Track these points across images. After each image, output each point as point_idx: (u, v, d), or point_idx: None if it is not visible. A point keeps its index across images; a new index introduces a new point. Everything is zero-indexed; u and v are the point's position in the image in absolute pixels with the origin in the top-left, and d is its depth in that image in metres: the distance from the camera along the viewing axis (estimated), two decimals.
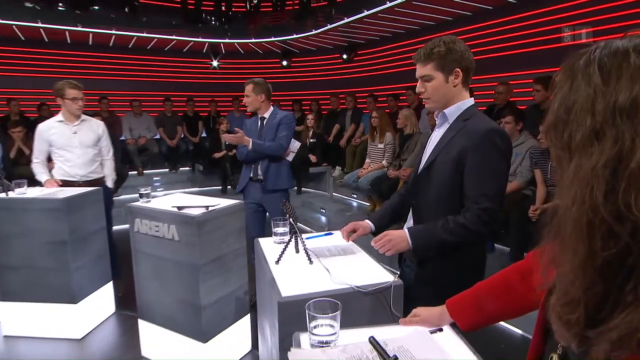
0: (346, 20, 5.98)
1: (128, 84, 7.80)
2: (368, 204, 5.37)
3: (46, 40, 7.01)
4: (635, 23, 3.87)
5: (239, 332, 2.57)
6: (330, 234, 1.76)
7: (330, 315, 0.92)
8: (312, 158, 6.31)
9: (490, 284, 1.04)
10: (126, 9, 7.12)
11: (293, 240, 1.52)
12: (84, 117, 3.40)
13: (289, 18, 7.69)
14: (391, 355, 0.76)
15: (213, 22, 7.59)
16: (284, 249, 1.47)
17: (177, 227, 2.26)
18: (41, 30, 6.40)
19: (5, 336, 2.90)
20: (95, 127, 3.46)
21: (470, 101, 1.58)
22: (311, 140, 6.41)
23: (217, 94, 8.08)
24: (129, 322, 3.01)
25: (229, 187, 6.75)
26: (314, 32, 6.62)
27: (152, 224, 2.36)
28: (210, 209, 2.31)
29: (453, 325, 1.05)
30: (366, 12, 5.56)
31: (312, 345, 0.93)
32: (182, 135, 7.27)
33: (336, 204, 5.87)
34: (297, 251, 1.53)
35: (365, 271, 1.39)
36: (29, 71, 7.11)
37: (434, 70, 1.52)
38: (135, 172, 6.66)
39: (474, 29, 5.71)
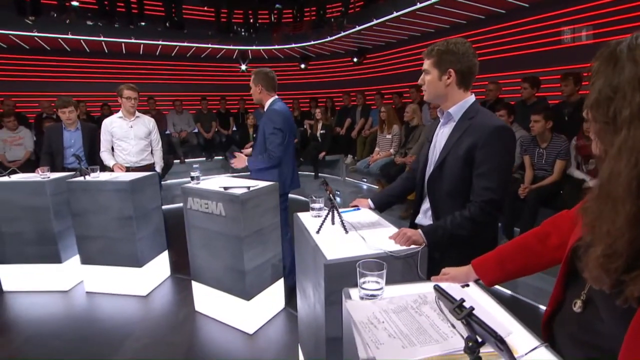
0: (357, 28, 5.87)
1: (171, 86, 7.82)
2: (377, 187, 5.36)
3: (106, 51, 7.07)
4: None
5: (275, 293, 2.62)
6: (358, 209, 1.75)
7: (377, 273, 0.93)
8: (321, 155, 6.30)
9: (510, 247, 1.04)
10: (167, 24, 7.09)
11: (330, 213, 1.52)
12: (138, 114, 3.45)
13: (308, 27, 7.58)
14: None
15: (242, 33, 7.51)
16: (323, 221, 1.48)
17: (224, 204, 2.30)
18: (103, 43, 6.45)
19: (87, 292, 3.01)
20: (147, 122, 3.51)
21: (472, 99, 1.47)
22: (321, 132, 6.38)
23: (245, 94, 7.98)
24: (183, 283, 3.09)
25: None
26: (329, 38, 6.51)
27: (202, 202, 2.40)
28: (251, 189, 2.33)
29: (477, 282, 1.06)
30: (375, 21, 5.44)
31: (362, 298, 0.95)
32: (216, 129, 7.31)
33: (349, 187, 5.86)
34: (333, 223, 1.54)
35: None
36: (94, 77, 7.23)
37: (431, 66, 1.44)
38: (178, 161, 6.75)
39: (468, 35, 5.57)
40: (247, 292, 2.35)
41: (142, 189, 2.91)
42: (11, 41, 6.04)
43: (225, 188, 2.33)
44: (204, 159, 7.25)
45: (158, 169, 3.58)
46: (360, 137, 6.25)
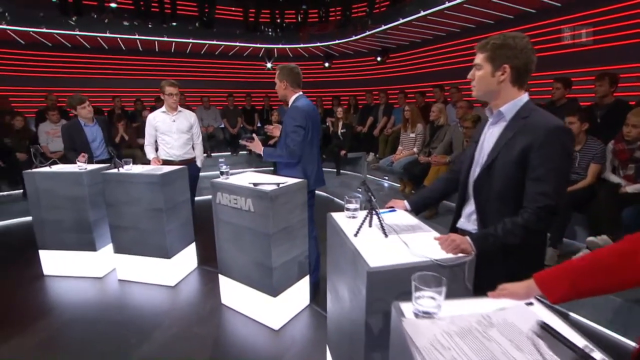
0: (383, 27, 5.65)
1: (200, 83, 7.83)
2: (399, 185, 5.17)
3: (140, 49, 7.12)
4: None
5: (300, 289, 2.51)
6: (394, 210, 1.61)
7: (435, 289, 0.79)
8: (343, 152, 6.15)
9: (583, 263, 0.88)
10: (197, 24, 7.06)
11: (369, 215, 1.38)
12: (180, 108, 3.42)
13: (333, 27, 7.40)
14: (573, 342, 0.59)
15: (270, 33, 7.40)
16: (362, 224, 1.35)
17: (253, 200, 2.20)
18: (138, 41, 6.49)
19: (119, 280, 3.00)
20: (189, 116, 3.48)
21: (525, 97, 1.29)
22: (342, 131, 6.22)
23: (270, 91, 7.94)
24: (209, 275, 3.04)
25: None
26: (353, 37, 6.32)
27: (231, 197, 2.31)
28: (280, 185, 2.22)
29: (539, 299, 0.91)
30: (402, 20, 5.21)
31: (416, 315, 0.81)
32: (242, 125, 7.28)
33: (370, 184, 5.63)
34: (371, 225, 1.40)
35: (437, 246, 1.24)
36: (128, 74, 7.32)
37: (484, 61, 1.27)
38: (205, 155, 6.75)
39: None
40: (273, 288, 2.25)
41: (172, 182, 2.86)
42: (55, 39, 6.17)
43: (255, 184, 2.23)
44: (230, 153, 7.23)
45: (199, 163, 3.56)
46: (382, 136, 6.07)
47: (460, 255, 1.16)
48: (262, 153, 2.53)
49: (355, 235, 1.31)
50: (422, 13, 4.88)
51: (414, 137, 4.94)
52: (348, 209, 1.53)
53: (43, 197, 2.94)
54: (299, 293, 2.50)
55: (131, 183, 2.76)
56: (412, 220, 1.50)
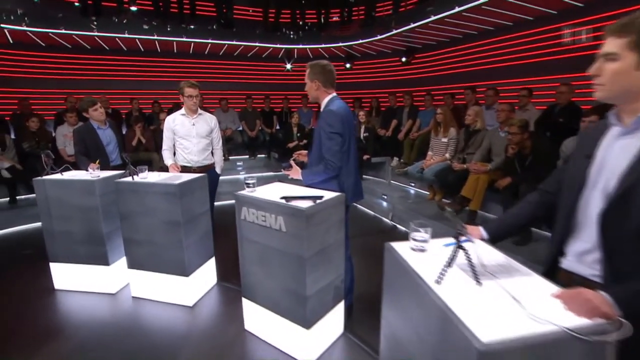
0: (412, 25, 5.27)
1: (218, 84, 7.62)
2: (427, 193, 4.79)
3: (159, 50, 6.96)
4: None
5: (335, 317, 2.18)
6: (470, 240, 1.23)
7: None
8: (365, 157, 5.80)
9: None
10: (214, 26, 6.83)
11: (455, 253, 1.03)
12: (200, 111, 3.17)
13: (356, 27, 7.06)
14: None
15: (291, 36, 7.09)
16: (447, 266, 1.00)
17: (285, 218, 1.88)
18: (156, 42, 6.31)
19: (133, 297, 2.74)
20: (209, 120, 3.23)
21: None
22: (364, 135, 5.88)
23: (289, 93, 7.71)
24: (230, 294, 2.75)
25: None
26: (378, 37, 5.96)
27: (259, 213, 1.99)
28: (317, 201, 1.90)
29: None
30: (433, 17, 4.83)
31: None
32: (260, 128, 7.02)
33: (395, 190, 5.32)
34: (450, 265, 1.06)
35: (555, 300, 0.88)
36: (146, 75, 7.17)
37: (624, 49, 0.92)
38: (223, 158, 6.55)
39: (533, 33, 4.85)
40: (307, 319, 1.92)
41: (191, 193, 2.58)
42: (74, 41, 6.04)
43: (287, 199, 1.91)
44: (247, 156, 6.97)
45: (218, 169, 3.30)
46: (407, 140, 5.70)
47: (599, 320, 0.81)
48: (301, 178, 2.18)
49: (438, 282, 0.97)
50: (457, 9, 4.49)
51: (446, 142, 4.55)
52: (415, 239, 1.19)
53: (53, 206, 2.70)
54: (333, 321, 2.17)
55: (146, 193, 2.49)
56: (497, 256, 1.15)
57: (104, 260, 2.75)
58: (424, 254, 1.16)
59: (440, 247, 1.17)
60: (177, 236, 2.49)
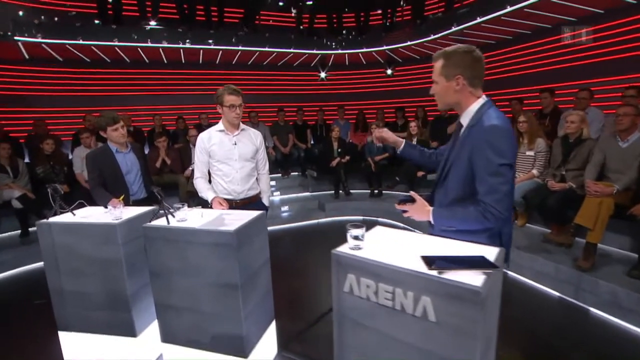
0: (478, 20, 4.52)
1: (247, 97, 6.99)
2: (514, 220, 3.93)
3: (183, 61, 6.42)
4: None
5: None
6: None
7: None
8: (420, 173, 5.02)
9: None
10: (241, 32, 6.24)
11: None
12: (243, 126, 2.42)
13: (400, 28, 6.34)
14: None
15: (327, 43, 6.42)
16: None
17: (434, 300, 1.09)
18: (181, 51, 5.74)
19: None
20: (254, 137, 2.45)
21: None
22: None
23: (324, 104, 7.04)
24: None
25: (341, 191, 5.67)
26: (432, 37, 5.23)
27: (380, 286, 1.21)
28: (490, 271, 1.10)
29: None
30: (510, 9, 4.07)
31: None
32: (294, 143, 6.34)
33: None
34: None
35: None
36: (170, 89, 6.63)
37: None
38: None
39: (598, 29, 4.03)
40: None
41: (250, 241, 1.83)
42: (93, 54, 5.54)
43: (429, 262, 1.13)
44: (280, 174, 6.26)
45: (266, 201, 2.51)
46: None
47: None
48: (431, 220, 1.42)
49: None
50: (522, 4, 3.74)
51: (533, 156, 3.73)
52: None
53: (62, 258, 2.00)
54: None
55: (188, 243, 1.75)
56: None
57: (129, 331, 2.01)
58: None
59: None
60: (234, 303, 1.73)
